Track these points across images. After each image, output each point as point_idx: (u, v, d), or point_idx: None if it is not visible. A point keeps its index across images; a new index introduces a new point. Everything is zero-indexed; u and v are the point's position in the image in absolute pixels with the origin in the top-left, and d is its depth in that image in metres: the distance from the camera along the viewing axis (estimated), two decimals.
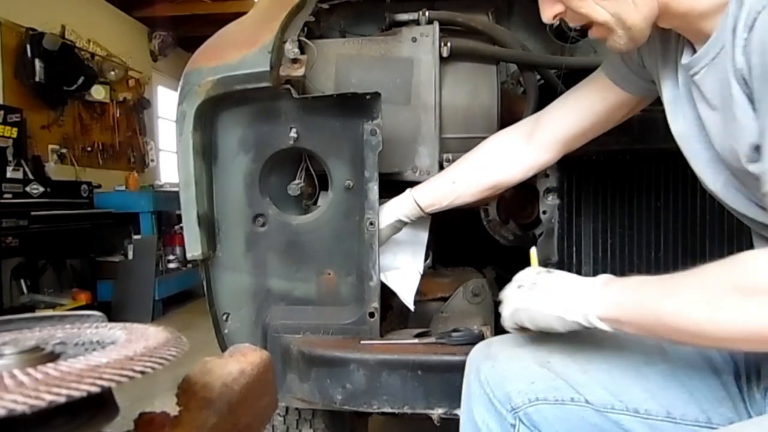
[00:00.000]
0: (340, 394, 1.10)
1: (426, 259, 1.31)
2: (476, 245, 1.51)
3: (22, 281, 4.19)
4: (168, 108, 6.96)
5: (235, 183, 1.19)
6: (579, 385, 0.83)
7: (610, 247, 1.29)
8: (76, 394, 0.32)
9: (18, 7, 4.57)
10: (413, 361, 1.07)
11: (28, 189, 3.83)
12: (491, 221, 1.37)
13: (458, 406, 0.97)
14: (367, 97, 1.09)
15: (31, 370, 0.34)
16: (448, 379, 1.04)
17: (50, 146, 4.90)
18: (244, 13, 1.38)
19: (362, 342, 1.14)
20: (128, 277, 4.59)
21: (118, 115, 5.92)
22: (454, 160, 1.24)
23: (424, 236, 1.30)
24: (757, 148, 0.68)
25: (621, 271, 1.26)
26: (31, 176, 4.03)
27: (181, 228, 1.30)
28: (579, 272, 1.03)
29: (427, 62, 1.26)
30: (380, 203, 1.17)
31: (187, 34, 6.77)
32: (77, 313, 0.52)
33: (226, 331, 1.24)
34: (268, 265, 1.21)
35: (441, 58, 1.27)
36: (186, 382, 0.49)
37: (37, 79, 4.57)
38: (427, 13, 1.31)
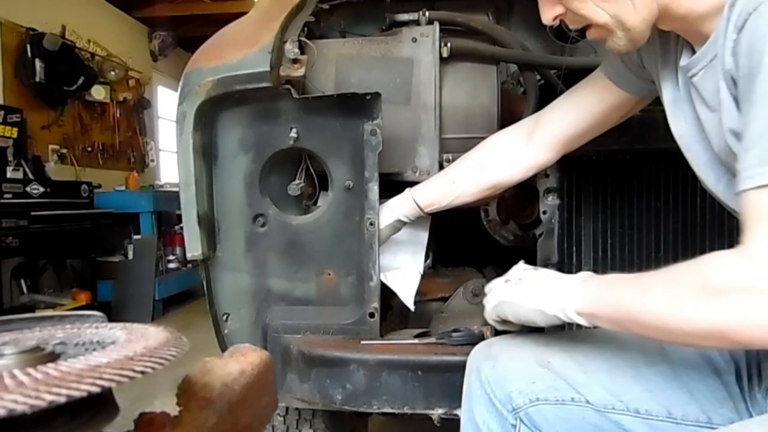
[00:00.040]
0: (340, 394, 1.10)
1: (426, 259, 1.31)
2: (476, 245, 1.51)
3: (22, 281, 4.20)
4: (168, 108, 6.97)
5: (235, 183, 1.19)
6: (579, 386, 0.84)
7: (610, 247, 1.29)
8: (76, 394, 0.32)
9: (18, 7, 4.57)
10: (413, 361, 1.07)
11: (28, 189, 3.83)
12: (491, 221, 1.37)
13: (458, 406, 0.97)
14: (367, 97, 1.09)
15: (31, 370, 0.34)
16: (448, 380, 1.04)
17: (50, 146, 4.90)
18: (244, 13, 1.38)
19: (362, 342, 1.14)
20: (128, 277, 4.59)
21: (118, 115, 5.92)
22: (454, 160, 1.24)
23: (424, 236, 1.30)
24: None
25: (621, 271, 1.26)
26: (31, 176, 4.03)
27: (181, 228, 1.30)
28: (579, 272, 1.03)
29: (427, 62, 1.26)
30: (380, 203, 1.17)
31: (187, 34, 6.77)
32: (77, 313, 0.52)
33: (226, 331, 1.24)
34: (268, 265, 1.21)
35: (441, 58, 1.27)
36: (186, 382, 0.49)
37: (37, 79, 4.57)
38: (427, 14, 1.31)
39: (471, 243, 1.55)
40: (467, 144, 1.22)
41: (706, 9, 0.72)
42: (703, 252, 0.66)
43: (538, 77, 1.39)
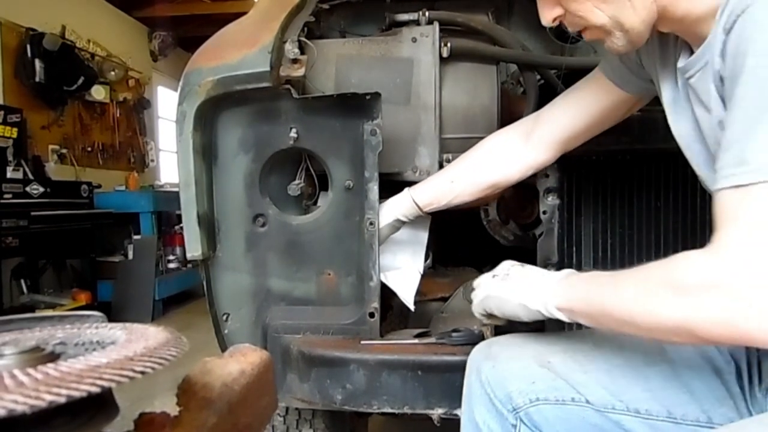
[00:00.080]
0: (340, 394, 1.10)
1: (426, 259, 1.31)
2: (476, 245, 1.51)
3: (22, 281, 4.20)
4: (168, 108, 6.96)
5: (235, 183, 1.19)
6: (579, 385, 0.84)
7: (610, 247, 1.29)
8: (76, 394, 0.32)
9: (18, 7, 4.57)
10: (413, 361, 1.07)
11: (28, 189, 3.83)
12: (491, 221, 1.37)
13: (458, 406, 0.97)
14: (367, 97, 1.09)
15: (31, 371, 0.34)
16: (448, 380, 1.04)
17: (50, 146, 4.90)
18: (244, 13, 1.38)
19: (362, 342, 1.14)
20: (128, 277, 4.58)
21: (118, 115, 5.92)
22: (454, 160, 1.24)
23: (424, 236, 1.30)
24: None
25: None
26: (31, 176, 4.03)
27: (181, 228, 1.30)
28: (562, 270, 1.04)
29: (427, 62, 1.26)
30: (379, 203, 1.17)
31: (187, 34, 6.77)
32: (77, 313, 0.52)
33: (226, 331, 1.24)
34: (268, 265, 1.21)
35: (441, 58, 1.27)
36: (186, 382, 0.49)
37: (37, 79, 4.57)
38: (427, 14, 1.31)
39: (471, 243, 1.55)
40: (467, 144, 1.22)
41: (703, 11, 0.72)
42: None
43: (538, 77, 1.39)
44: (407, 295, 1.21)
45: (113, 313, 4.34)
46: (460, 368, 0.96)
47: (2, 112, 4.00)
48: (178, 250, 5.27)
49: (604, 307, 0.72)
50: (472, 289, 0.98)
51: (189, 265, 5.05)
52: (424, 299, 1.34)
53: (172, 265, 5.22)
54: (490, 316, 0.94)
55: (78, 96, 5.23)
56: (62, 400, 0.32)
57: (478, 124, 1.30)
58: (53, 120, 4.97)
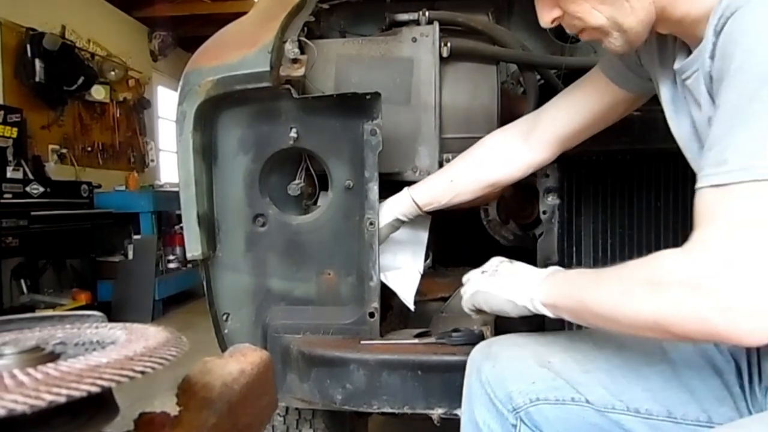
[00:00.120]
0: (340, 394, 1.10)
1: (426, 259, 1.31)
2: (476, 245, 1.51)
3: (22, 281, 4.19)
4: (168, 108, 6.96)
5: (235, 183, 1.19)
6: (579, 385, 0.84)
7: (610, 247, 1.29)
8: (76, 394, 0.32)
9: (18, 7, 4.57)
10: (413, 361, 1.07)
11: (28, 189, 3.82)
12: (491, 221, 1.37)
13: (458, 406, 0.97)
14: (367, 97, 1.09)
15: (31, 370, 0.34)
16: (448, 379, 1.04)
17: (50, 146, 4.90)
18: (244, 13, 1.38)
19: (362, 342, 1.14)
20: (128, 277, 4.58)
21: (118, 115, 5.92)
22: (453, 160, 1.24)
23: (424, 236, 1.30)
24: None
25: None
26: (31, 176, 4.03)
27: (181, 228, 1.30)
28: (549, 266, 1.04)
29: (427, 62, 1.26)
30: (379, 203, 1.17)
31: (187, 34, 6.77)
32: (77, 313, 0.52)
33: (226, 331, 1.24)
34: (268, 265, 1.21)
35: (441, 58, 1.27)
36: (186, 382, 0.49)
37: (37, 79, 4.57)
38: (427, 13, 1.31)
39: (471, 243, 1.55)
40: (467, 144, 1.22)
41: (701, 12, 0.72)
42: None
43: (538, 77, 1.39)
44: (407, 295, 1.21)
45: (113, 313, 4.34)
46: (460, 368, 0.96)
47: (2, 112, 3.99)
48: (178, 250, 5.27)
49: (586, 303, 0.74)
50: (462, 285, 1.00)
51: (189, 265, 5.05)
52: (424, 299, 1.33)
53: (172, 265, 5.22)
54: (478, 311, 0.96)
55: (78, 96, 5.23)
56: (62, 400, 0.32)
57: (478, 124, 1.30)
58: (53, 120, 4.97)
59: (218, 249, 1.21)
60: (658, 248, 1.34)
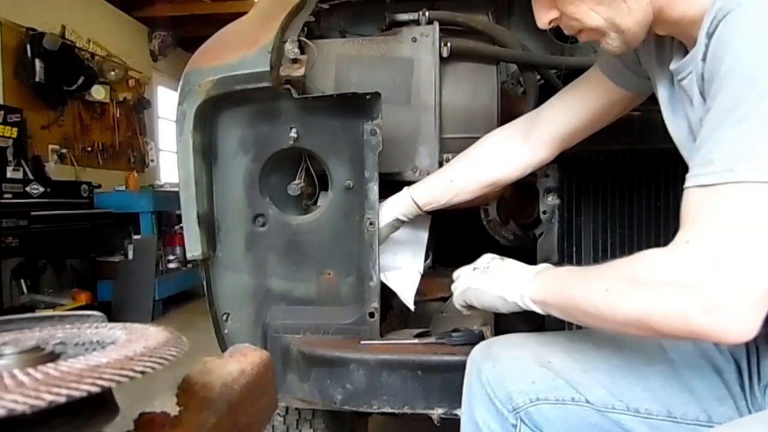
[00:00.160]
0: (340, 394, 1.10)
1: (426, 259, 1.31)
2: (476, 245, 1.51)
3: (22, 281, 4.19)
4: (168, 108, 6.96)
5: (235, 183, 1.19)
6: (579, 385, 0.84)
7: (610, 247, 1.29)
8: (76, 394, 0.32)
9: (18, 7, 4.57)
10: (413, 361, 1.07)
11: (28, 189, 3.82)
12: (491, 221, 1.37)
13: (458, 406, 0.97)
14: (367, 97, 1.09)
15: (31, 370, 0.34)
16: (448, 379, 1.04)
17: (50, 146, 4.90)
18: (244, 13, 1.38)
19: (362, 342, 1.14)
20: (128, 277, 4.58)
21: (118, 115, 5.92)
22: (453, 159, 1.24)
23: (424, 236, 1.30)
24: None
25: None
26: (31, 176, 4.03)
27: (181, 228, 1.30)
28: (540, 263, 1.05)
29: (427, 62, 1.26)
30: (379, 203, 1.17)
31: (187, 34, 6.77)
32: (77, 313, 0.52)
33: (226, 331, 1.24)
34: (268, 265, 1.21)
35: (441, 58, 1.27)
36: (186, 382, 0.49)
37: (37, 79, 4.57)
38: (427, 13, 1.31)
39: (471, 243, 1.55)
40: (467, 144, 1.22)
41: (697, 13, 0.73)
42: None
43: (538, 77, 1.39)
44: (407, 295, 1.21)
45: (113, 313, 4.34)
46: (460, 368, 0.96)
47: (2, 112, 3.99)
48: (178, 250, 5.27)
49: (574, 300, 0.75)
50: (452, 281, 1.01)
51: (189, 265, 5.05)
52: (424, 299, 1.33)
53: (172, 265, 5.22)
54: (470, 307, 0.97)
55: (78, 96, 5.23)
56: (62, 400, 0.32)
57: (478, 124, 1.30)
58: (53, 120, 4.97)
59: (218, 249, 1.21)
60: (657, 248, 1.34)
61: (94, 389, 0.33)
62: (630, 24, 0.77)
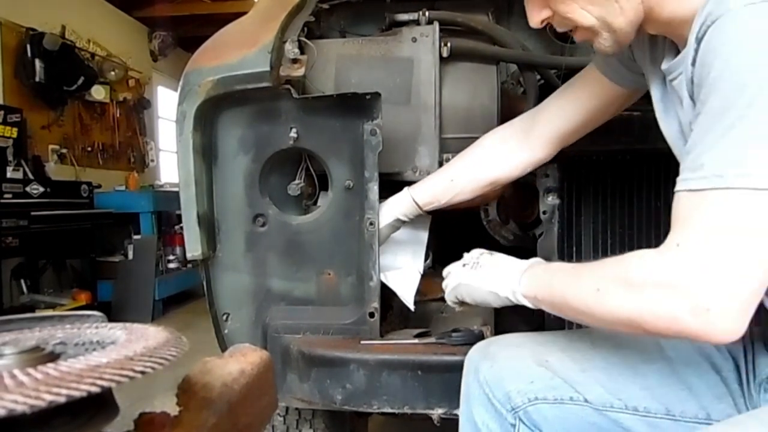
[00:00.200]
0: (340, 394, 1.10)
1: (426, 259, 1.31)
2: (476, 245, 1.51)
3: (22, 281, 4.19)
4: (168, 108, 6.96)
5: (235, 183, 1.19)
6: (578, 384, 0.84)
7: (610, 247, 1.29)
8: (76, 394, 0.32)
9: (18, 7, 4.57)
10: (413, 361, 1.07)
11: (28, 189, 3.82)
12: (491, 221, 1.37)
13: (458, 406, 0.97)
14: (367, 97, 1.09)
15: (31, 370, 0.34)
16: (448, 379, 1.04)
17: (50, 146, 4.90)
18: (244, 13, 1.38)
19: (362, 342, 1.14)
20: (128, 277, 4.58)
21: (118, 115, 5.92)
22: (452, 159, 1.24)
23: (424, 236, 1.30)
24: None
25: None
26: (31, 176, 4.03)
27: (181, 228, 1.30)
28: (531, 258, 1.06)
29: (427, 62, 1.26)
30: (379, 203, 1.17)
31: (187, 34, 6.77)
32: (77, 313, 0.52)
33: (226, 331, 1.24)
34: (268, 265, 1.21)
35: (441, 58, 1.27)
36: (186, 382, 0.49)
37: (37, 79, 4.57)
38: (427, 13, 1.31)
39: (471, 243, 1.55)
40: (467, 144, 1.22)
41: (687, 13, 0.73)
42: None
43: (538, 77, 1.39)
44: (407, 295, 1.21)
45: (113, 313, 4.34)
46: (460, 368, 0.96)
47: (2, 112, 3.99)
48: (178, 250, 5.27)
49: (565, 297, 0.76)
50: (443, 277, 1.02)
51: (189, 265, 5.05)
52: (424, 299, 1.33)
53: (172, 265, 5.22)
54: (462, 303, 0.99)
55: (78, 96, 5.23)
56: (62, 400, 0.32)
57: (478, 124, 1.30)
58: (53, 120, 4.97)
59: (218, 249, 1.21)
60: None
61: (94, 389, 0.33)
62: (622, 24, 0.77)
